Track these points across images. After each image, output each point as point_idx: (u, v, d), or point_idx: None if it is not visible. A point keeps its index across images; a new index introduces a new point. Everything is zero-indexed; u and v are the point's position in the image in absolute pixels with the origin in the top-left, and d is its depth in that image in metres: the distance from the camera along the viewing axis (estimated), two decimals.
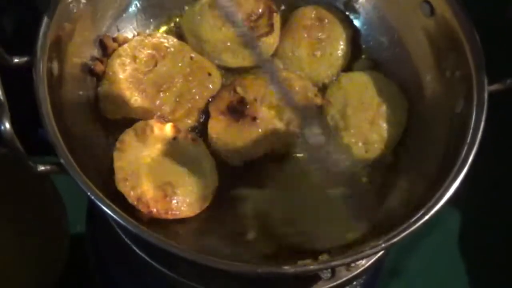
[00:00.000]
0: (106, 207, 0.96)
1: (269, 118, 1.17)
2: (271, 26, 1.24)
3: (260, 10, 1.25)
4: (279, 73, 1.20)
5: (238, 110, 1.17)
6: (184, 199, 1.09)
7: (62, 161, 0.97)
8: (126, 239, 1.15)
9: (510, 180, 1.38)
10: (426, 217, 0.98)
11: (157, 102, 1.16)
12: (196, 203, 1.10)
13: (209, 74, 1.21)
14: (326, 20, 1.26)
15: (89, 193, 0.96)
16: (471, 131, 1.05)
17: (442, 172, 1.04)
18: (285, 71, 1.23)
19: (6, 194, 1.26)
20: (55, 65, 1.06)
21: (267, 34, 1.23)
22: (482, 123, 1.05)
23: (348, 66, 1.26)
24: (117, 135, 1.13)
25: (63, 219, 1.26)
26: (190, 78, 1.19)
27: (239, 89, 1.19)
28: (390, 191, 1.14)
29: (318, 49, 1.24)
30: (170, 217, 1.08)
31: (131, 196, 1.06)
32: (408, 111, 1.19)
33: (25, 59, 1.02)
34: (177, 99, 1.17)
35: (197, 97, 1.19)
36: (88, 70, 1.16)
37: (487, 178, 1.25)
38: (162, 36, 1.22)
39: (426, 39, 1.18)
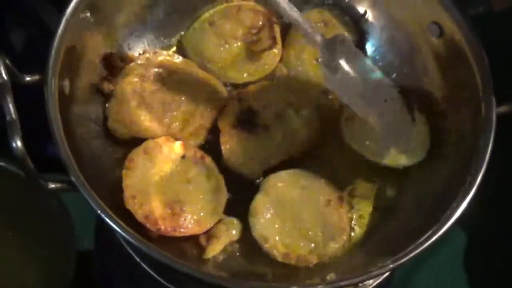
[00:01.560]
0: (115, 225, 0.96)
1: (281, 124, 1.17)
2: (273, 38, 1.24)
3: (260, 23, 1.25)
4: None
5: (248, 121, 1.17)
6: (192, 217, 1.09)
7: (73, 179, 0.97)
8: (134, 256, 1.16)
9: None
10: (434, 238, 0.99)
11: (165, 121, 1.16)
12: (204, 220, 1.10)
13: (216, 91, 1.21)
14: (330, 25, 1.26)
15: (99, 211, 0.96)
16: (479, 152, 1.05)
17: (449, 193, 1.04)
18: (293, 79, 1.23)
19: (14, 210, 1.27)
20: (66, 84, 1.06)
21: (271, 47, 1.23)
22: (490, 145, 1.05)
23: None
24: (126, 153, 1.13)
25: (71, 235, 1.26)
26: (197, 96, 1.19)
27: (244, 99, 1.18)
28: (397, 211, 1.15)
29: None
30: (178, 234, 1.08)
31: (139, 214, 1.07)
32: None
33: (37, 77, 1.02)
34: (185, 117, 1.17)
35: (205, 115, 1.19)
36: (96, 89, 1.16)
37: (494, 197, 1.25)
38: (168, 54, 1.22)
39: (435, 59, 1.18)
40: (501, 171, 1.15)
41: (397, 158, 1.15)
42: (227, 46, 1.24)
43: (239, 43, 1.24)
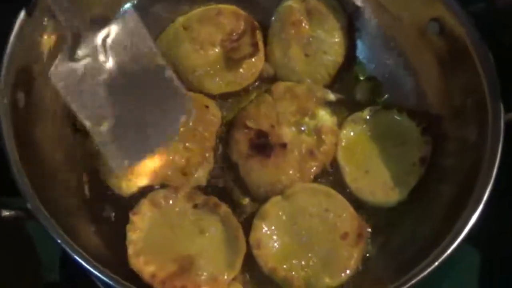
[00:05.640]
0: (79, 257, 0.91)
1: (296, 135, 1.11)
2: (255, 45, 1.16)
3: (241, 28, 1.17)
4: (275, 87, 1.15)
5: (263, 145, 1.10)
6: (206, 272, 1.01)
7: (28, 205, 0.91)
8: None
9: None
10: (436, 263, 0.93)
11: (168, 156, 1.08)
12: (221, 276, 1.02)
13: (206, 107, 1.14)
14: (316, 13, 1.18)
15: (59, 241, 0.90)
16: (486, 163, 0.99)
17: (457, 210, 0.98)
18: (282, 83, 1.15)
19: None
20: (21, 97, 0.99)
21: (251, 55, 1.16)
22: (499, 155, 0.99)
23: (348, 62, 1.19)
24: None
25: (36, 266, 1.19)
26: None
27: (249, 123, 1.11)
28: (401, 231, 1.08)
29: (310, 48, 1.18)
30: None
31: (145, 273, 1.00)
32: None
33: None
34: (187, 144, 1.10)
35: (205, 134, 1.11)
36: (72, 126, 1.09)
37: (507, 214, 1.19)
38: None
39: (435, 60, 1.11)
40: None
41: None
42: (202, 52, 1.16)
43: (216, 50, 1.17)
